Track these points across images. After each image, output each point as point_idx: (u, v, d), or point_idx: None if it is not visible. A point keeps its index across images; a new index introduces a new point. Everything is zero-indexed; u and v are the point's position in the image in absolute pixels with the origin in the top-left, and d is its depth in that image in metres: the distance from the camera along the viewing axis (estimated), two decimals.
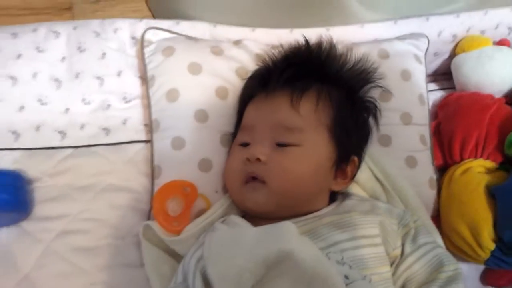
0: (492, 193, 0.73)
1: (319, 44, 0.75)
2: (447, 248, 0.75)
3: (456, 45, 0.94)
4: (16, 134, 0.77)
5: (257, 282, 0.51)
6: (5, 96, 0.77)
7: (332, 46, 0.76)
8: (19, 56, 0.79)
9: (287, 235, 0.54)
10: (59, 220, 0.74)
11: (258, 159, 0.64)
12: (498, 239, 0.72)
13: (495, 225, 0.72)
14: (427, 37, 0.90)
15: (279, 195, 0.64)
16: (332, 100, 0.69)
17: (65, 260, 0.71)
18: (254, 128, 0.69)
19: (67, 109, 0.80)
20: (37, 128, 0.78)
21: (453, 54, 0.96)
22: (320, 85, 0.70)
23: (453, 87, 0.96)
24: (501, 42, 0.92)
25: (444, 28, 0.92)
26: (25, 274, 0.70)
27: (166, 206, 0.70)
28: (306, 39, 0.76)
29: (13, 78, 0.78)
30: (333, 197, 0.72)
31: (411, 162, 0.80)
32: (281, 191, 0.64)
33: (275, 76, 0.70)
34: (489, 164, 0.80)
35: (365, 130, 0.75)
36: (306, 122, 0.67)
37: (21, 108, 0.78)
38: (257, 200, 0.65)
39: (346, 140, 0.69)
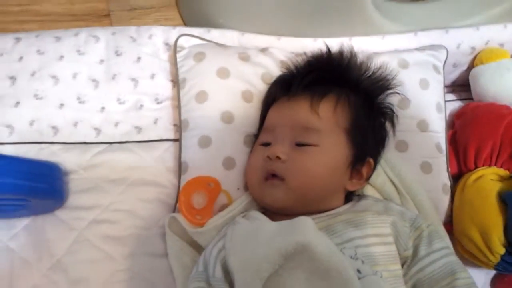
0: (504, 199, 0.75)
1: (340, 52, 0.79)
2: (459, 253, 0.77)
3: (475, 57, 0.96)
4: (55, 129, 0.83)
5: (275, 272, 0.54)
6: (47, 94, 0.83)
7: (353, 54, 0.79)
8: (61, 57, 0.85)
9: (305, 229, 0.57)
10: (91, 210, 0.78)
11: (278, 157, 0.68)
12: (508, 244, 0.73)
13: (506, 231, 0.73)
14: (446, 48, 0.92)
15: (297, 192, 0.67)
16: (350, 105, 0.73)
17: (95, 247, 0.76)
18: (275, 129, 0.72)
19: (103, 108, 0.85)
20: (75, 124, 0.84)
21: (471, 66, 0.98)
22: (339, 90, 0.73)
23: (471, 98, 0.98)
24: None
25: (463, 40, 0.94)
26: (58, 258, 0.75)
27: (191, 199, 0.74)
28: (328, 47, 0.79)
29: (55, 78, 0.84)
30: (349, 197, 0.75)
31: (426, 168, 0.82)
32: (299, 188, 0.67)
33: (297, 81, 0.74)
34: (503, 172, 0.81)
35: (381, 134, 0.78)
36: (325, 124, 0.70)
37: (61, 105, 0.84)
38: (275, 196, 0.68)
39: (362, 142, 0.72)
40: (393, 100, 0.81)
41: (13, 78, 0.83)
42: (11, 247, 0.75)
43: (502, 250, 0.74)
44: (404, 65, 0.87)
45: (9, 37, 0.86)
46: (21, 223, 0.77)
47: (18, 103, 0.82)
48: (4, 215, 0.76)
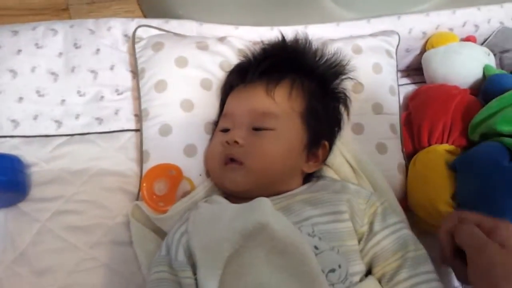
0: (452, 167, 0.78)
1: (295, 39, 0.81)
2: (415, 225, 0.80)
3: (426, 42, 1.00)
4: (15, 122, 0.83)
5: (236, 251, 0.56)
6: (5, 88, 0.83)
7: (307, 41, 0.81)
8: (19, 51, 0.85)
9: (263, 209, 0.59)
10: (54, 201, 0.78)
11: (236, 142, 0.70)
12: (458, 207, 0.76)
13: (455, 196, 0.77)
14: (398, 34, 0.96)
15: (255, 175, 0.69)
16: (305, 90, 0.75)
17: (59, 237, 0.76)
18: (233, 115, 0.74)
19: (63, 100, 0.86)
20: (35, 117, 0.84)
21: (423, 50, 1.01)
22: (294, 76, 0.76)
23: (424, 81, 1.02)
24: (468, 39, 0.98)
25: (414, 26, 0.98)
26: (21, 250, 0.75)
27: (153, 187, 0.75)
28: (282, 35, 0.82)
29: (13, 72, 0.84)
30: (308, 179, 0.77)
31: (381, 148, 0.85)
32: (257, 170, 0.69)
33: (253, 68, 0.76)
34: (453, 148, 0.84)
35: (335, 118, 0.81)
36: (280, 109, 0.72)
37: (20, 99, 0.84)
38: (235, 179, 0.70)
39: (316, 126, 0.74)
40: (347, 84, 0.84)
41: None
42: None
43: None
44: (358, 50, 0.90)
45: None
46: None
47: None
48: None
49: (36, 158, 0.81)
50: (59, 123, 0.85)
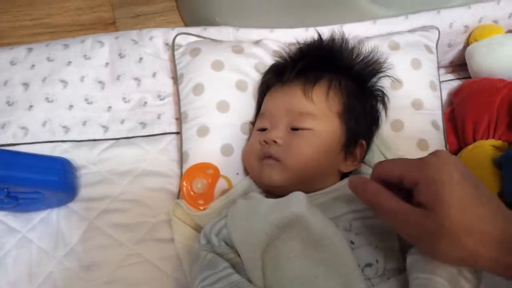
0: (498, 163, 0.75)
1: (331, 38, 0.81)
2: None
3: (469, 36, 0.97)
4: (66, 128, 0.88)
5: (272, 243, 0.58)
6: (57, 97, 0.89)
7: (344, 39, 0.81)
8: (69, 63, 0.91)
9: (299, 202, 0.60)
10: (101, 201, 0.83)
11: (274, 142, 0.71)
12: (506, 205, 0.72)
13: (501, 194, 0.73)
14: (437, 28, 0.93)
15: (292, 172, 0.69)
16: (342, 90, 0.75)
17: (105, 234, 0.80)
18: (271, 115, 0.75)
19: (110, 107, 0.91)
20: (84, 123, 0.89)
21: (466, 44, 0.98)
22: (331, 76, 0.75)
23: (469, 77, 0.98)
24: None
25: (455, 19, 0.95)
26: (72, 247, 0.79)
27: (192, 185, 0.78)
28: (319, 34, 0.82)
29: (64, 82, 0.90)
30: (346, 175, 0.76)
31: (423, 145, 0.82)
32: (294, 168, 0.69)
33: (289, 68, 0.77)
34: (500, 143, 0.81)
35: (373, 116, 0.80)
36: (318, 109, 0.72)
37: (71, 106, 0.89)
38: (271, 175, 0.70)
39: (354, 125, 0.73)
40: (386, 81, 0.83)
41: (26, 85, 0.89)
42: (30, 238, 0.80)
43: None
44: (395, 46, 0.89)
45: (22, 48, 0.92)
46: (38, 216, 0.82)
47: (31, 106, 0.88)
48: (23, 209, 0.81)
49: (85, 161, 0.86)
50: (106, 128, 0.90)
